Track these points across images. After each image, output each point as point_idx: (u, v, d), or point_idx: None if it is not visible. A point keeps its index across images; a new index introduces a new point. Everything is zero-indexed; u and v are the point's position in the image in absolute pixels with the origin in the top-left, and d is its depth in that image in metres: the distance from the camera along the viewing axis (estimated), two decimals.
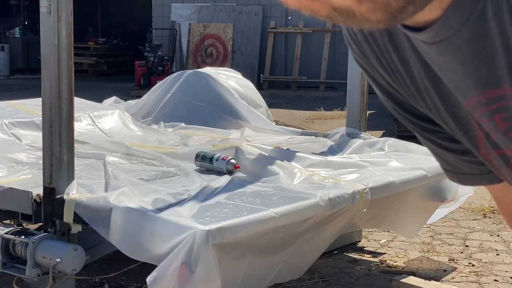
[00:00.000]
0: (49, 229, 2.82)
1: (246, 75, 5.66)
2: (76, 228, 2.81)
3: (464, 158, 0.94)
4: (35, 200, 2.85)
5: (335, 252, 4.05)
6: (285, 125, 5.76)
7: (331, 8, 0.70)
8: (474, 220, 4.79)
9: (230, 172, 3.26)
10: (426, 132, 0.94)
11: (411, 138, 4.35)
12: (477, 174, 0.96)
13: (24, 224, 3.07)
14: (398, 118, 0.96)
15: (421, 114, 0.92)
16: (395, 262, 3.99)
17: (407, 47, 0.83)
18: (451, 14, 0.74)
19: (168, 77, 5.15)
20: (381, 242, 4.31)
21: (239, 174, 3.26)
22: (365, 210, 3.14)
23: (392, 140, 4.08)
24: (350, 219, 3.13)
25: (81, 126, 4.24)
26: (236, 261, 2.65)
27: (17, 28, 16.60)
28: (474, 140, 0.86)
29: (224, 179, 3.08)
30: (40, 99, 2.85)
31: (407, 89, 0.88)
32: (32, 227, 3.10)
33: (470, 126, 0.85)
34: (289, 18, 13.56)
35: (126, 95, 10.33)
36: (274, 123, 4.92)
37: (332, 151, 3.95)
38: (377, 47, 0.87)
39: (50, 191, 2.81)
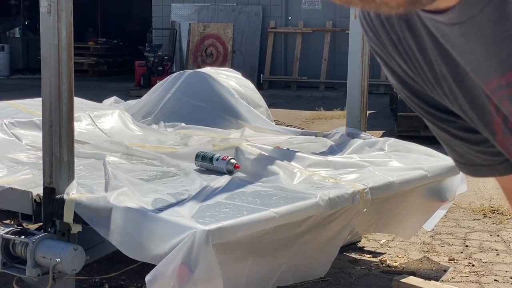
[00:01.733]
0: (49, 229, 2.82)
1: (246, 75, 5.66)
2: (76, 228, 2.81)
3: (477, 149, 0.93)
4: (35, 200, 2.85)
5: None
6: (285, 125, 5.76)
7: None
8: (474, 220, 4.79)
9: (230, 172, 3.26)
10: (440, 121, 0.94)
11: (411, 138, 4.37)
12: (489, 165, 0.95)
13: (24, 224, 3.07)
14: (412, 108, 0.95)
15: (436, 103, 0.91)
16: (395, 262, 3.99)
17: (425, 34, 0.83)
18: None
19: (168, 77, 5.15)
20: (381, 242, 4.31)
21: (239, 174, 3.26)
22: (365, 210, 3.13)
23: (392, 140, 4.08)
24: (350, 221, 3.13)
25: (81, 126, 4.23)
26: (238, 263, 2.64)
27: (17, 28, 16.60)
28: (491, 126, 0.85)
29: (224, 179, 3.08)
30: (40, 99, 2.85)
31: (424, 76, 0.88)
32: (32, 227, 3.10)
33: (487, 112, 0.84)
34: (289, 18, 13.57)
35: (126, 95, 10.33)
36: (274, 123, 4.92)
37: (332, 151, 3.95)
38: (394, 33, 0.87)
39: (50, 191, 2.81)
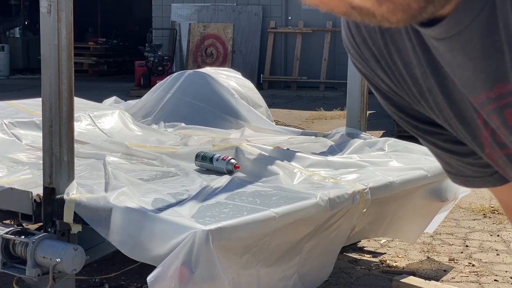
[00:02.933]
0: (49, 229, 2.81)
1: (246, 75, 5.66)
2: (76, 228, 2.81)
3: (467, 160, 0.93)
4: (35, 200, 2.85)
5: None
6: (285, 125, 5.76)
7: (349, 6, 0.71)
8: (474, 220, 4.79)
9: (230, 172, 3.26)
10: (427, 134, 0.94)
11: (411, 138, 4.38)
12: (480, 176, 0.95)
13: (24, 224, 3.07)
14: (399, 122, 0.95)
15: (422, 117, 0.91)
16: (395, 262, 3.99)
17: (410, 47, 0.83)
18: (462, 8, 0.74)
19: (168, 77, 5.15)
20: (381, 242, 4.31)
21: (239, 174, 3.26)
22: (365, 210, 3.13)
23: (392, 140, 4.08)
24: (352, 223, 3.12)
25: (81, 126, 4.23)
26: (247, 270, 2.64)
27: (17, 28, 16.60)
28: (479, 139, 0.85)
29: (224, 179, 3.08)
30: (40, 99, 2.85)
31: (408, 90, 0.88)
32: (32, 227, 3.10)
33: (475, 125, 0.84)
34: (289, 18, 13.56)
35: (126, 95, 10.33)
36: (274, 123, 4.92)
37: (332, 151, 3.95)
38: (376, 49, 0.87)
39: (50, 191, 2.81)
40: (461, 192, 3.83)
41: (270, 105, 7.20)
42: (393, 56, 0.86)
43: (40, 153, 2.96)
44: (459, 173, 0.97)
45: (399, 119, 0.94)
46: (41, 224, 2.94)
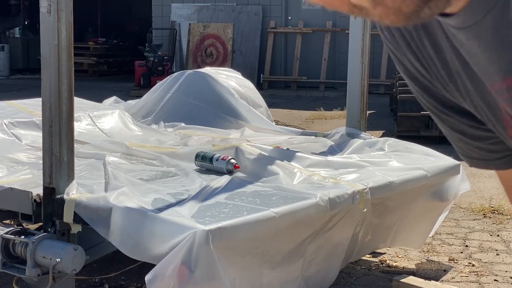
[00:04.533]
0: (49, 229, 2.81)
1: (246, 75, 5.66)
2: (76, 228, 2.81)
3: (476, 144, 0.99)
4: (35, 200, 2.85)
5: None
6: (285, 125, 5.76)
7: (351, 5, 0.75)
8: (474, 220, 4.79)
9: (230, 172, 3.26)
10: (444, 115, 0.99)
11: (411, 138, 4.38)
12: (485, 159, 1.01)
13: (24, 224, 3.07)
14: (420, 102, 1.01)
15: (444, 100, 0.96)
16: (395, 262, 3.99)
17: (440, 33, 0.86)
18: (476, 1, 0.77)
19: (168, 77, 5.16)
20: None
21: (239, 174, 3.26)
22: (365, 210, 3.13)
23: (392, 140, 4.08)
24: (354, 225, 3.12)
25: (81, 126, 4.23)
26: (248, 272, 2.64)
27: (17, 28, 16.61)
28: (501, 122, 0.90)
29: (224, 179, 3.08)
30: (40, 99, 2.85)
31: (437, 73, 0.91)
32: (32, 227, 3.10)
33: (497, 109, 0.88)
34: (289, 18, 13.56)
35: (126, 95, 10.33)
36: (274, 123, 4.92)
37: (332, 151, 3.95)
38: (407, 32, 0.91)
39: (50, 191, 2.81)
40: (461, 190, 3.83)
41: (270, 105, 7.20)
42: (422, 40, 0.89)
43: (40, 153, 2.96)
44: (465, 153, 1.03)
45: (421, 99, 0.99)
46: (41, 224, 2.94)
